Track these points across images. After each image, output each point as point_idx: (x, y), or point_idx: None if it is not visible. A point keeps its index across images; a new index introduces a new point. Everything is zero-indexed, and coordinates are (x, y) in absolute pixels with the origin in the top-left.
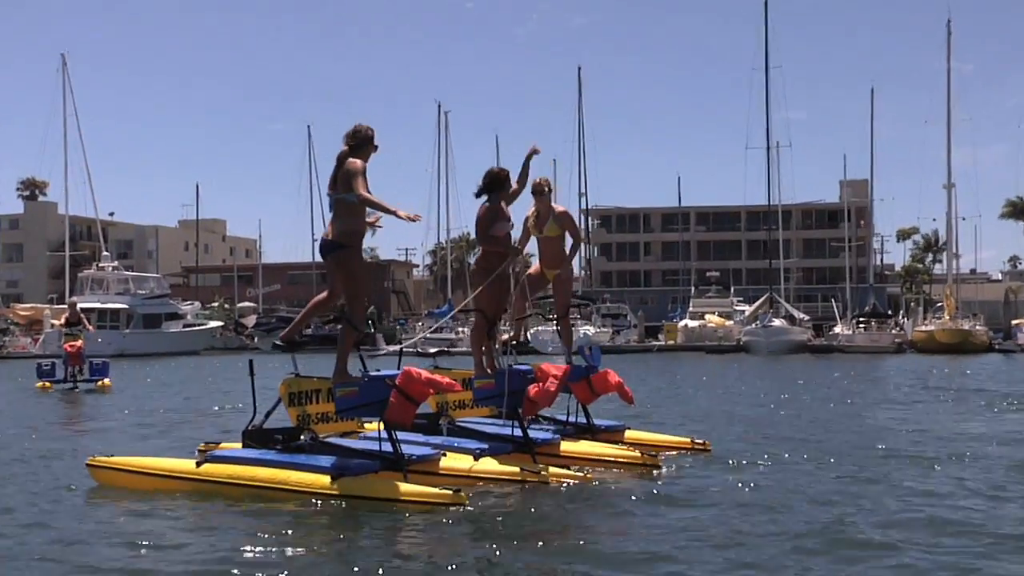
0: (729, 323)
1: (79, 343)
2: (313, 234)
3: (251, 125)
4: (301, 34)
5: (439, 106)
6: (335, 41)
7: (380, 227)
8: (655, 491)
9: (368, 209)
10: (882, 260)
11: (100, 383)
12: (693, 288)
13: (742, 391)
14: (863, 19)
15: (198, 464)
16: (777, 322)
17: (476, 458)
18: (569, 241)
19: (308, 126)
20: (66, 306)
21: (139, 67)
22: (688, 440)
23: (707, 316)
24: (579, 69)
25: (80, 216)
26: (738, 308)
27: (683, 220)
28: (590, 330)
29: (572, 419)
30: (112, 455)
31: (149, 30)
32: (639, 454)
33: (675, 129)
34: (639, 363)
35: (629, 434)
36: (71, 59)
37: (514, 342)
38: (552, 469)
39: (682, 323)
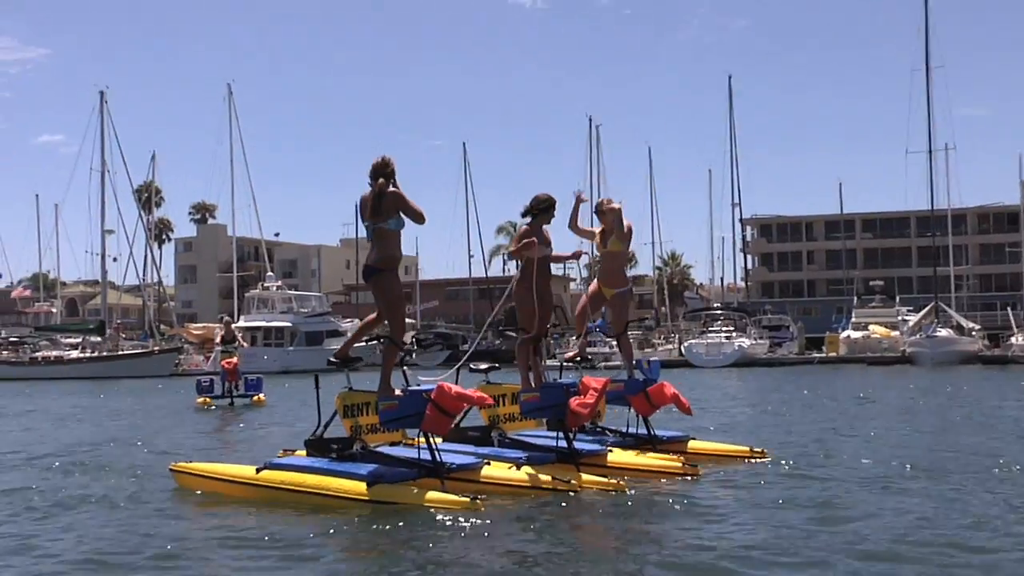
0: (894, 333)
1: (235, 360)
2: (470, 250)
3: (409, 143)
4: (456, 52)
5: (590, 120)
6: (489, 57)
7: None
8: (684, 500)
9: None
10: None
11: (255, 398)
12: (856, 298)
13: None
14: None
15: (258, 471)
16: (943, 332)
17: (518, 467)
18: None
19: (463, 143)
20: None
21: (300, 91)
22: (747, 448)
23: (871, 326)
24: (729, 78)
25: (248, 237)
26: (904, 318)
27: (847, 227)
28: (745, 342)
29: (633, 430)
30: (191, 462)
31: (308, 56)
32: (680, 464)
33: (834, 134)
34: (786, 376)
35: (692, 444)
36: (236, 87)
37: (578, 358)
38: (587, 477)
39: (844, 334)
